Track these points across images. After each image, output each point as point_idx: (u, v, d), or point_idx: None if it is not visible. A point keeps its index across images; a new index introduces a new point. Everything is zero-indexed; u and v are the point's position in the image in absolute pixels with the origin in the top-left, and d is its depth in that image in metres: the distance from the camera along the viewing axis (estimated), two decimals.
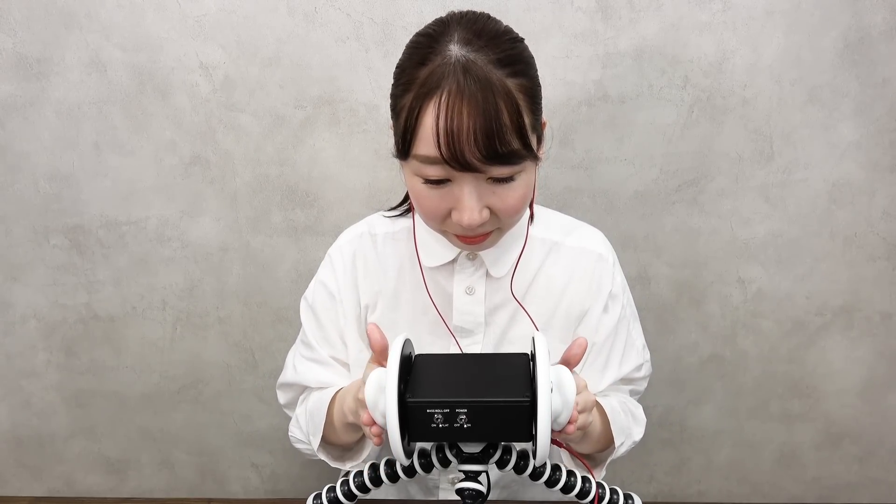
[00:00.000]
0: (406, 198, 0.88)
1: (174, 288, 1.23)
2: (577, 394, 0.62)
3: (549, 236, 0.85)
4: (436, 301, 0.82)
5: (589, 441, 0.77)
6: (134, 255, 1.21)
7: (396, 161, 0.70)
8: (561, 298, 0.84)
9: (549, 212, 0.90)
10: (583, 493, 0.68)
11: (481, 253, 0.80)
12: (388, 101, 0.70)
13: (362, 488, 0.69)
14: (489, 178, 0.66)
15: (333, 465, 0.84)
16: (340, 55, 1.08)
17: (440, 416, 0.58)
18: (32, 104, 1.12)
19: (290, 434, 0.88)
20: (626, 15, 1.05)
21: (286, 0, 1.06)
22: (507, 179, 0.66)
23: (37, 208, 1.19)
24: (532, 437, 0.60)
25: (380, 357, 0.66)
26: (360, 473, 0.69)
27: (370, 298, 0.86)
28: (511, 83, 0.63)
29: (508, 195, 0.68)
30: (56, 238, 1.20)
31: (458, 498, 0.64)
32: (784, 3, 1.04)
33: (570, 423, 0.61)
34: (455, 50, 0.63)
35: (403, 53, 0.69)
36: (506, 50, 0.64)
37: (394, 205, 0.89)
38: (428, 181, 0.67)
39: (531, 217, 0.84)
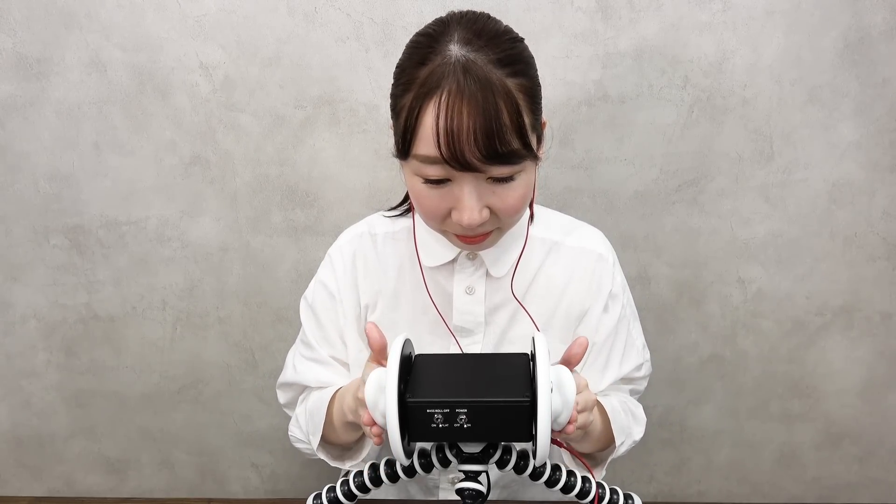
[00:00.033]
0: (406, 198, 0.88)
1: (174, 288, 1.23)
2: (577, 393, 0.62)
3: (549, 236, 0.85)
4: (436, 301, 0.82)
5: (590, 440, 0.77)
6: (134, 255, 1.21)
7: (396, 161, 0.70)
8: (561, 298, 0.84)
9: (549, 212, 0.90)
10: (583, 493, 0.68)
11: (481, 253, 0.80)
12: (388, 101, 0.70)
13: (362, 488, 0.69)
14: (489, 178, 0.66)
15: (333, 464, 0.84)
16: (340, 55, 1.08)
17: (440, 416, 0.58)
18: (32, 104, 1.12)
19: (289, 433, 0.88)
20: (626, 15, 1.05)
21: (286, 0, 1.06)
22: (507, 179, 0.67)
23: (37, 208, 1.19)
24: (532, 437, 0.60)
25: (378, 356, 0.66)
26: (360, 473, 0.69)
27: (370, 298, 0.86)
28: (511, 83, 0.63)
29: (508, 195, 0.68)
30: (56, 238, 1.20)
31: (458, 498, 0.64)
32: (784, 3, 1.04)
33: (569, 422, 0.61)
34: (455, 50, 0.63)
35: (403, 53, 0.69)
36: (506, 50, 0.65)
37: (394, 205, 0.89)
38: (428, 181, 0.67)
39: (531, 217, 0.84)
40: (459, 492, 0.64)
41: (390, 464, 0.68)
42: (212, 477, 1.40)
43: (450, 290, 0.83)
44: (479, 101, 0.61)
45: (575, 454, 0.78)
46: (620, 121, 1.10)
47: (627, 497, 0.70)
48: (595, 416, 0.72)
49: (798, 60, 1.06)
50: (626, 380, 0.88)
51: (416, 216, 0.84)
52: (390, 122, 0.71)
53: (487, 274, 0.82)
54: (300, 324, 0.89)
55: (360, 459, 0.82)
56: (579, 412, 0.64)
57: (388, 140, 0.71)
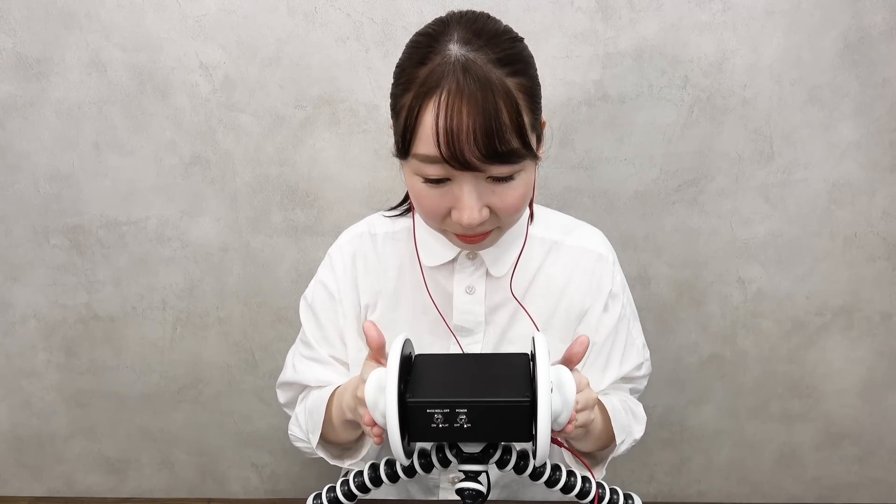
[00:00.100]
0: (406, 197, 0.88)
1: (174, 288, 1.23)
2: (578, 392, 0.62)
3: (549, 236, 0.85)
4: (436, 300, 0.82)
5: (590, 439, 0.78)
6: (134, 255, 1.21)
7: (396, 161, 0.70)
8: (561, 298, 0.84)
9: (549, 211, 0.90)
10: (583, 493, 0.68)
11: (481, 252, 0.80)
12: (388, 101, 0.70)
13: (362, 488, 0.69)
14: (489, 178, 0.66)
15: (332, 462, 0.84)
16: (340, 55, 1.08)
17: (440, 416, 0.58)
18: (32, 104, 1.12)
19: (289, 433, 0.88)
20: (626, 15, 1.05)
21: (286, 0, 1.06)
22: (507, 178, 0.67)
23: (37, 208, 1.19)
24: (532, 437, 0.60)
25: (377, 354, 0.66)
26: (360, 473, 0.69)
27: (370, 298, 0.86)
28: (510, 82, 0.63)
29: (508, 194, 0.68)
30: (56, 238, 1.20)
31: (458, 498, 0.64)
32: (784, 3, 1.04)
33: (569, 422, 0.61)
34: (455, 49, 0.63)
35: (403, 53, 0.69)
36: (505, 49, 0.65)
37: (394, 205, 0.89)
38: (428, 180, 0.67)
39: (531, 216, 0.84)
40: (459, 492, 0.64)
41: (390, 464, 0.68)
42: (212, 477, 1.40)
43: (450, 290, 0.83)
44: (478, 100, 0.61)
45: (575, 454, 0.79)
46: (620, 121, 1.10)
47: (627, 497, 0.70)
48: (596, 414, 0.72)
49: (798, 60, 1.06)
50: (626, 379, 0.88)
51: (416, 216, 0.84)
52: (390, 121, 0.71)
53: (487, 273, 0.82)
54: (300, 324, 0.90)
55: (359, 458, 0.82)
56: (580, 410, 0.64)
57: (388, 140, 0.71)
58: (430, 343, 0.84)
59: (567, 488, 0.68)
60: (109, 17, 1.07)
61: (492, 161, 0.63)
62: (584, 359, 0.69)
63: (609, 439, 0.80)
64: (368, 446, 0.81)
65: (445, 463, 0.66)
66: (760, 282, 1.20)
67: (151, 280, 1.23)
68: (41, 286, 1.24)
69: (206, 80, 1.10)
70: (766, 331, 1.24)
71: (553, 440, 0.61)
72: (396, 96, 0.68)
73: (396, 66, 0.69)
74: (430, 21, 0.70)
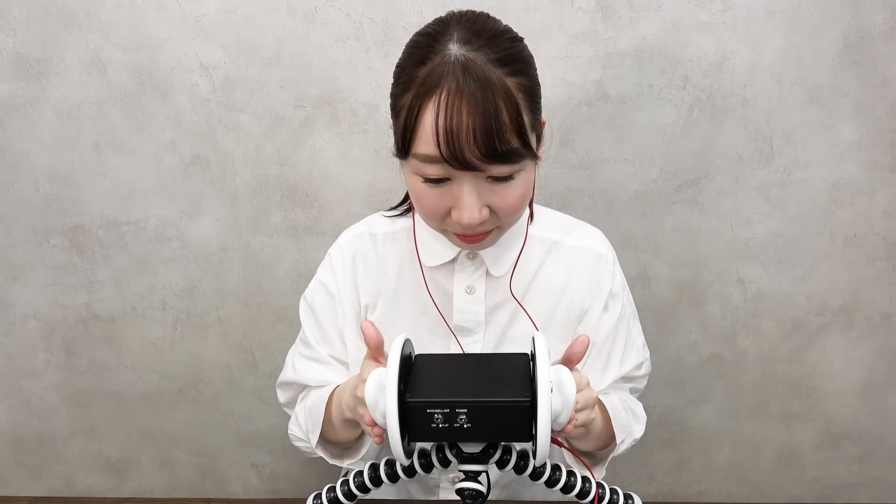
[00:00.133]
0: (406, 197, 0.88)
1: (174, 288, 1.23)
2: (578, 391, 0.62)
3: (549, 235, 0.85)
4: (436, 300, 0.82)
5: (591, 438, 0.78)
6: (134, 255, 1.21)
7: (396, 161, 0.70)
8: (561, 297, 0.84)
9: (549, 211, 0.90)
10: (583, 493, 0.68)
11: (481, 252, 0.80)
12: (388, 101, 0.70)
13: (362, 488, 0.69)
14: (489, 177, 0.66)
15: (332, 462, 0.84)
16: (340, 55, 1.08)
17: (440, 416, 0.58)
18: (32, 104, 1.12)
19: (289, 432, 0.88)
20: (626, 15, 1.05)
21: (286, 0, 1.06)
22: (507, 178, 0.67)
23: (37, 208, 1.19)
24: (532, 437, 0.60)
25: (375, 353, 0.67)
26: (360, 473, 0.69)
27: (370, 298, 0.86)
28: (510, 82, 0.63)
29: (508, 194, 0.68)
30: (56, 238, 1.20)
31: (458, 498, 0.64)
32: (784, 3, 1.04)
33: (568, 422, 0.61)
34: (454, 49, 0.63)
35: (403, 53, 0.69)
36: (505, 49, 0.65)
37: (394, 205, 0.89)
38: (428, 180, 0.67)
39: (531, 216, 0.84)
40: (459, 492, 0.64)
41: (390, 464, 0.68)
42: (212, 477, 1.40)
43: (450, 290, 0.83)
44: (478, 100, 0.61)
45: (575, 454, 0.79)
46: (620, 121, 1.10)
47: (627, 497, 0.70)
48: (597, 413, 0.72)
49: (798, 60, 1.06)
50: (626, 378, 0.88)
51: (416, 216, 0.84)
52: (390, 121, 0.71)
53: (487, 273, 0.82)
54: (300, 324, 0.90)
55: (358, 457, 0.82)
56: (581, 410, 0.64)
57: (388, 140, 0.71)
58: (430, 343, 0.84)
59: (567, 488, 0.68)
60: (109, 17, 1.07)
61: (491, 161, 0.63)
62: (584, 358, 0.69)
63: (609, 439, 0.81)
64: (368, 445, 0.81)
65: (445, 463, 0.66)
66: (760, 282, 1.20)
67: (151, 280, 1.23)
68: (41, 286, 1.24)
69: (206, 80, 1.10)
70: (766, 331, 1.24)
71: (553, 440, 0.61)
72: (396, 96, 0.68)
73: (396, 66, 0.69)
74: (430, 21, 0.70)
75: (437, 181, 0.67)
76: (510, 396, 0.58)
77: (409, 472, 0.68)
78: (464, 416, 0.58)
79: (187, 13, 1.06)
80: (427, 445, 0.68)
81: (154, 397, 1.32)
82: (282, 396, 0.92)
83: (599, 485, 0.70)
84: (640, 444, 0.88)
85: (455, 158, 0.63)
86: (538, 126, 0.69)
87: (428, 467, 0.67)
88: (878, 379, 1.26)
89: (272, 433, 1.35)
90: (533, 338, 0.62)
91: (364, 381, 0.63)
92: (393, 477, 0.68)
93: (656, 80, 1.08)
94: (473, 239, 0.72)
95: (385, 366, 0.66)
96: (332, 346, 0.87)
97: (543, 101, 0.70)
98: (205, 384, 1.31)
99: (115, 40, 1.08)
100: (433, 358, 0.66)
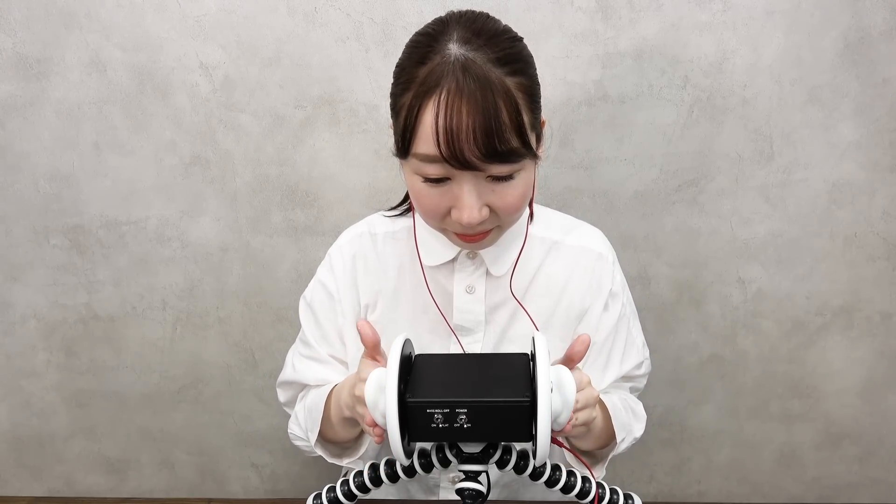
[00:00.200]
0: (406, 197, 0.88)
1: (174, 288, 1.23)
2: (579, 390, 0.62)
3: (549, 235, 0.85)
4: (436, 300, 0.82)
5: (591, 437, 0.78)
6: (134, 255, 1.21)
7: (396, 161, 0.70)
8: (561, 297, 0.84)
9: (549, 211, 0.90)
10: (583, 493, 0.68)
11: (481, 252, 0.80)
12: (388, 101, 0.70)
13: (362, 488, 0.69)
14: (489, 177, 0.66)
15: (331, 461, 0.84)
16: (340, 55, 1.08)
17: (440, 416, 0.58)
18: (32, 104, 1.12)
19: (289, 432, 0.88)
20: (626, 15, 1.05)
21: (286, 0, 1.06)
22: (507, 178, 0.67)
23: (37, 208, 1.19)
24: (532, 437, 0.60)
25: (372, 352, 0.67)
26: (360, 473, 0.69)
27: (370, 298, 0.86)
28: (510, 82, 0.63)
29: (508, 193, 0.68)
30: (56, 238, 1.20)
31: (458, 498, 0.64)
32: (784, 3, 1.04)
33: (568, 422, 0.62)
34: (454, 49, 0.63)
35: (403, 52, 0.69)
36: (505, 49, 0.65)
37: (394, 204, 0.89)
38: (427, 180, 0.67)
39: (531, 216, 0.84)
40: (459, 492, 0.64)
41: (390, 464, 0.69)
42: (212, 477, 1.40)
43: (450, 289, 0.83)
44: (478, 99, 0.61)
45: (575, 454, 0.79)
46: (620, 121, 1.10)
47: (627, 497, 0.70)
48: (597, 412, 0.72)
49: (798, 60, 1.06)
50: (626, 378, 0.88)
51: (417, 215, 0.84)
52: (390, 121, 0.71)
53: (487, 273, 0.82)
54: (300, 323, 0.90)
55: (358, 456, 0.82)
56: (581, 409, 0.64)
57: (388, 140, 0.71)
58: (430, 342, 0.84)
59: (567, 488, 0.68)
60: (109, 17, 1.07)
61: (491, 160, 0.63)
62: (584, 358, 0.69)
63: (609, 438, 0.81)
64: (367, 444, 0.81)
65: (445, 463, 0.66)
66: (760, 282, 1.20)
67: (151, 280, 1.23)
68: (41, 286, 1.24)
69: (206, 80, 1.10)
70: (766, 331, 1.24)
71: (553, 440, 0.61)
72: (396, 96, 0.68)
73: (396, 66, 0.69)
74: (429, 21, 0.70)
75: (437, 181, 0.67)
76: (510, 396, 0.58)
77: (409, 472, 0.68)
78: (464, 416, 0.58)
79: (187, 13, 1.06)
80: (427, 445, 0.68)
81: (154, 397, 1.32)
82: (282, 396, 0.92)
83: (599, 485, 0.70)
84: (640, 444, 0.88)
85: (455, 158, 0.63)
86: (538, 126, 0.69)
87: (428, 467, 0.67)
88: (878, 379, 1.26)
89: (272, 433, 1.35)
90: (533, 338, 0.62)
91: (362, 380, 0.63)
92: (393, 477, 0.68)
93: (656, 80, 1.08)
94: (473, 238, 0.72)
95: (383, 364, 0.66)
96: (331, 345, 0.87)
97: (543, 101, 0.70)
98: (205, 384, 1.31)
99: (115, 40, 1.08)
100: (433, 358, 0.66)
